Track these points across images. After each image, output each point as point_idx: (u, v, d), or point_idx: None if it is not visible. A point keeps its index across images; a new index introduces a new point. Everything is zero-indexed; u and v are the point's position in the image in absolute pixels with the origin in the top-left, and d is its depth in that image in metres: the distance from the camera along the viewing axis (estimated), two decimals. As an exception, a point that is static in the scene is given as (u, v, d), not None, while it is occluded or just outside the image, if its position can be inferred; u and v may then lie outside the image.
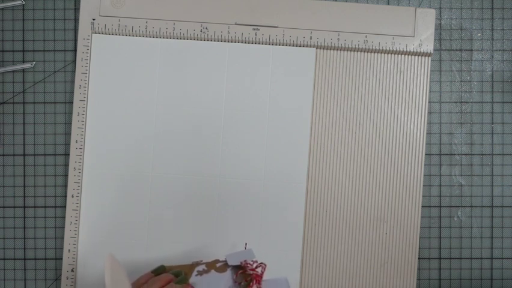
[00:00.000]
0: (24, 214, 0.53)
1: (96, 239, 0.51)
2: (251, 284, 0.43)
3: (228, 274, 0.44)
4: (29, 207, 0.52)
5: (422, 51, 0.51)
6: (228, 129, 0.51)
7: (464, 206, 0.53)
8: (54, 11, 0.53)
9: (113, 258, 0.40)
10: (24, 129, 0.53)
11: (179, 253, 0.51)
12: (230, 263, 0.44)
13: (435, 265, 0.53)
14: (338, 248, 0.52)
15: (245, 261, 0.44)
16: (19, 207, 0.53)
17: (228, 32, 0.51)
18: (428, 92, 0.52)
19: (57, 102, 0.53)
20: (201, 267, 0.45)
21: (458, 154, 0.53)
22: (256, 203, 0.51)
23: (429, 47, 0.51)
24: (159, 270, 0.45)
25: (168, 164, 0.51)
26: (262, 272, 0.44)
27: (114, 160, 0.51)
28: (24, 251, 0.53)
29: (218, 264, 0.45)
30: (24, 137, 0.53)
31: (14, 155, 0.52)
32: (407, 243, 0.51)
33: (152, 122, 0.51)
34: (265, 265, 0.44)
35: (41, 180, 0.52)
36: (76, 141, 0.51)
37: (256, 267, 0.44)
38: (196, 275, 0.44)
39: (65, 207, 0.52)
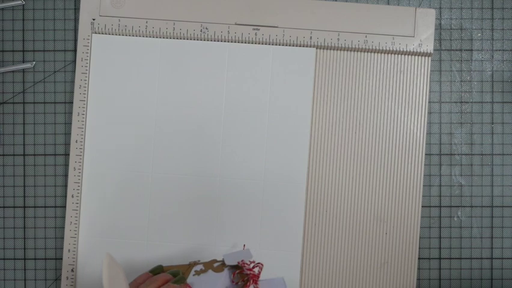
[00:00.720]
0: (24, 214, 0.53)
1: (96, 239, 0.51)
2: (248, 283, 0.43)
3: (225, 274, 0.44)
4: (29, 207, 0.53)
5: (422, 51, 0.51)
6: (228, 129, 0.51)
7: (464, 206, 0.53)
8: (54, 11, 0.53)
9: (111, 257, 0.40)
10: (24, 129, 0.53)
11: (179, 253, 0.51)
12: (227, 262, 0.44)
13: (435, 265, 0.53)
14: (338, 248, 0.51)
15: (242, 261, 0.44)
16: (19, 207, 0.53)
17: (228, 32, 0.51)
18: (428, 92, 0.52)
19: (57, 102, 0.53)
20: (198, 267, 0.45)
21: (458, 154, 0.53)
22: (256, 203, 0.51)
23: (429, 47, 0.51)
24: (157, 270, 0.45)
25: (168, 164, 0.51)
26: (259, 272, 0.44)
27: (114, 160, 0.51)
28: (24, 251, 0.53)
29: (215, 264, 0.45)
30: (24, 137, 0.53)
31: (14, 155, 0.53)
32: (407, 243, 0.51)
33: (152, 122, 0.51)
34: (262, 265, 0.44)
35: (41, 180, 0.53)
36: (76, 141, 0.51)
37: (254, 267, 0.44)
38: (194, 275, 0.44)
39: (65, 207, 0.52)
